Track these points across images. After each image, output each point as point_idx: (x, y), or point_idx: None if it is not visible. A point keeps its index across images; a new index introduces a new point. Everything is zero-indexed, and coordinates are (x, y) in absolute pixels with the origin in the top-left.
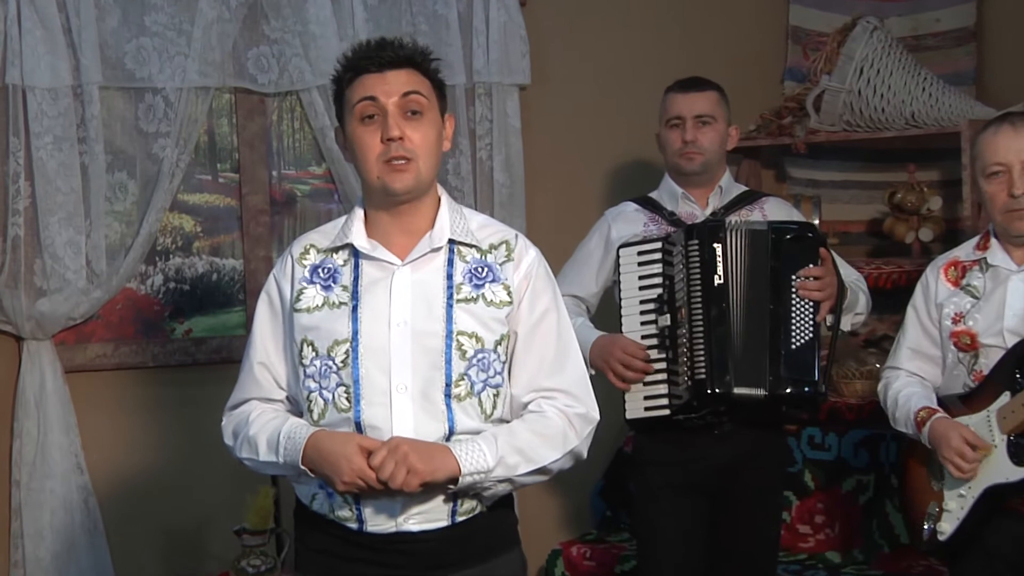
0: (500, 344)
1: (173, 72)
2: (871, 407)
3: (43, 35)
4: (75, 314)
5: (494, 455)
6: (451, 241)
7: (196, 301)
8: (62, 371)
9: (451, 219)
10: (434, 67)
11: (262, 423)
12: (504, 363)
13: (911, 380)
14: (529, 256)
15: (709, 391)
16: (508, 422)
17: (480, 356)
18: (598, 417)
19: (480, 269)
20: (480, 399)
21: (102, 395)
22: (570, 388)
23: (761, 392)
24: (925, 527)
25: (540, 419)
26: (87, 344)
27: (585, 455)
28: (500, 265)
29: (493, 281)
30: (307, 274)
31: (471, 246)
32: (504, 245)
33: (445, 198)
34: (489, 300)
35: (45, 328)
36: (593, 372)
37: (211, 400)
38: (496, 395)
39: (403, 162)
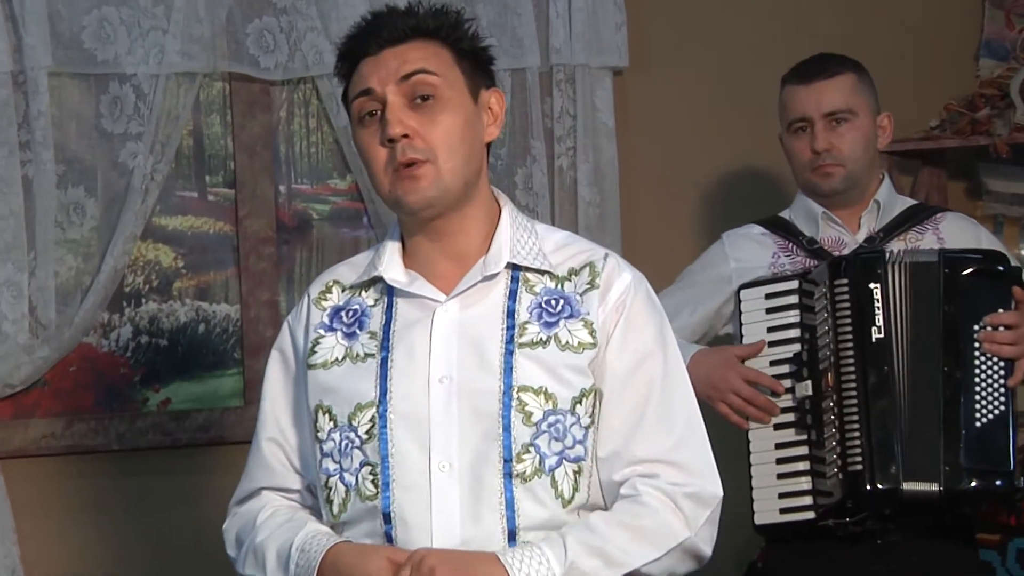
0: (580, 402)
1: (147, 53)
2: None
3: None
4: (13, 379)
5: (561, 561)
6: (513, 267)
7: (177, 362)
8: None
9: (513, 238)
10: (464, 31)
11: (273, 527)
12: (588, 428)
13: None
14: (622, 280)
15: (868, 487)
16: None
17: (553, 420)
18: (720, 493)
19: (553, 302)
20: (554, 478)
21: (49, 489)
22: (679, 458)
23: (935, 488)
24: None
25: (631, 506)
26: (29, 420)
27: (708, 551)
28: (580, 295)
29: (570, 317)
30: (326, 319)
31: (542, 272)
32: (587, 269)
33: (508, 210)
34: (564, 342)
35: None
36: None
37: (197, 495)
38: (577, 472)
39: (414, 166)
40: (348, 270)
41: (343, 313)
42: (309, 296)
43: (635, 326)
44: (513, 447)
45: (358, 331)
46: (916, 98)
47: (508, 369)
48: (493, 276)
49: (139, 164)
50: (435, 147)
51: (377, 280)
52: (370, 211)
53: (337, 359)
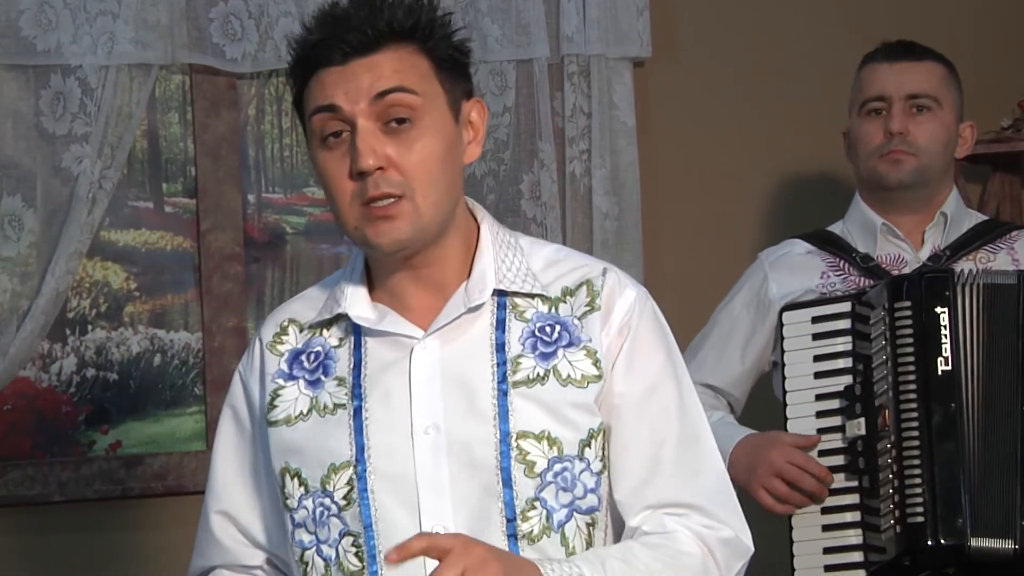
0: (589, 445)
1: (95, 41)
2: None
3: None
4: None
5: None
6: (499, 293)
7: (128, 399)
8: None
9: (497, 259)
10: (442, 30)
11: None
12: (599, 473)
13: None
14: (625, 299)
15: (930, 543)
16: None
17: (560, 468)
18: (752, 548)
19: (548, 329)
20: (564, 535)
21: None
22: (705, 502)
23: (1010, 545)
24: None
25: (667, 542)
26: None
27: None
28: (579, 320)
29: (569, 345)
30: (284, 366)
31: (532, 296)
32: (584, 288)
33: (487, 226)
34: (565, 376)
35: None
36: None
37: (151, 553)
38: (591, 525)
39: (389, 203)
40: (304, 306)
41: (303, 357)
42: (262, 341)
43: (643, 351)
44: (516, 504)
45: (323, 378)
46: (985, 94)
47: (503, 413)
48: (478, 308)
49: (85, 170)
50: (412, 179)
51: (340, 317)
52: None
53: (302, 413)
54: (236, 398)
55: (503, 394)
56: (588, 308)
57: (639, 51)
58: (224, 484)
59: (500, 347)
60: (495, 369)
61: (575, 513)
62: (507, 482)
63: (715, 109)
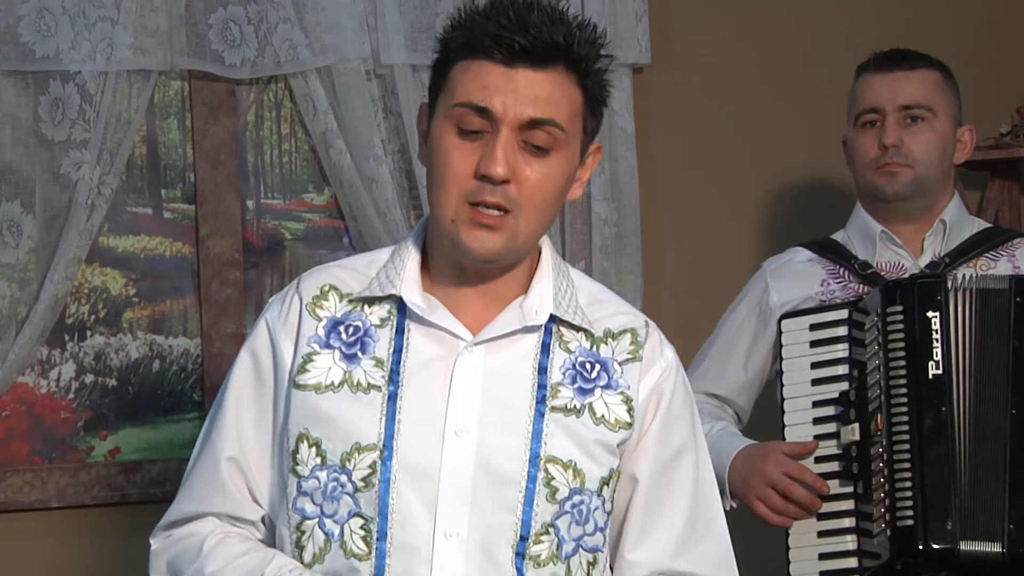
0: (607, 484)
1: (94, 47)
2: None
3: None
4: None
5: None
6: (550, 318)
7: (127, 405)
8: None
9: (555, 285)
10: (599, 67)
11: (228, 557)
12: (609, 514)
13: None
14: (665, 359)
15: (920, 546)
16: None
17: (578, 500)
18: None
19: (588, 366)
20: (569, 567)
21: None
22: (706, 572)
23: (997, 549)
24: None
25: None
26: None
27: None
28: (620, 365)
29: (607, 387)
30: (322, 331)
31: (578, 329)
32: (628, 335)
33: (548, 251)
34: (599, 416)
35: None
36: (734, 504)
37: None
38: (592, 564)
39: (496, 214)
40: (348, 276)
41: (342, 329)
42: (301, 299)
43: (674, 417)
44: (533, 524)
45: (360, 354)
46: (984, 101)
47: (537, 434)
48: (534, 329)
49: (84, 175)
50: (526, 200)
51: (387, 298)
52: (351, 230)
53: (333, 384)
54: (260, 347)
55: (540, 415)
56: (631, 356)
57: (638, 57)
58: (240, 431)
59: (543, 370)
60: (535, 390)
61: (580, 549)
62: (529, 501)
63: (714, 115)
